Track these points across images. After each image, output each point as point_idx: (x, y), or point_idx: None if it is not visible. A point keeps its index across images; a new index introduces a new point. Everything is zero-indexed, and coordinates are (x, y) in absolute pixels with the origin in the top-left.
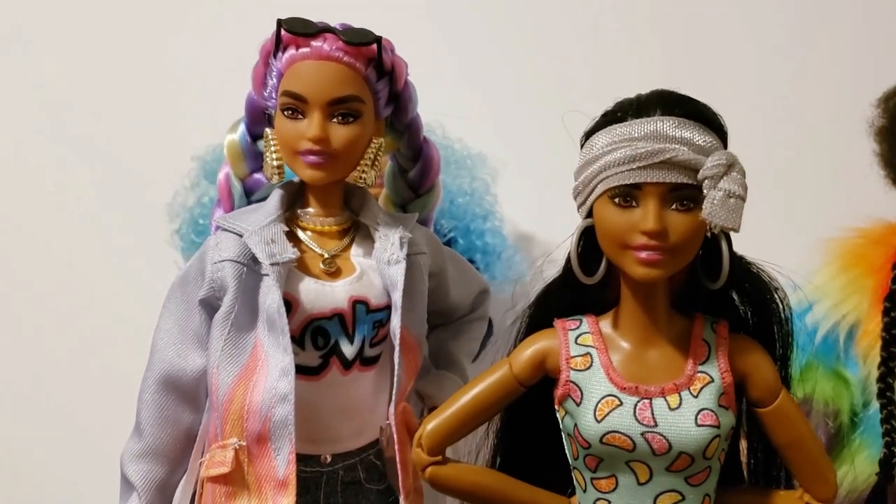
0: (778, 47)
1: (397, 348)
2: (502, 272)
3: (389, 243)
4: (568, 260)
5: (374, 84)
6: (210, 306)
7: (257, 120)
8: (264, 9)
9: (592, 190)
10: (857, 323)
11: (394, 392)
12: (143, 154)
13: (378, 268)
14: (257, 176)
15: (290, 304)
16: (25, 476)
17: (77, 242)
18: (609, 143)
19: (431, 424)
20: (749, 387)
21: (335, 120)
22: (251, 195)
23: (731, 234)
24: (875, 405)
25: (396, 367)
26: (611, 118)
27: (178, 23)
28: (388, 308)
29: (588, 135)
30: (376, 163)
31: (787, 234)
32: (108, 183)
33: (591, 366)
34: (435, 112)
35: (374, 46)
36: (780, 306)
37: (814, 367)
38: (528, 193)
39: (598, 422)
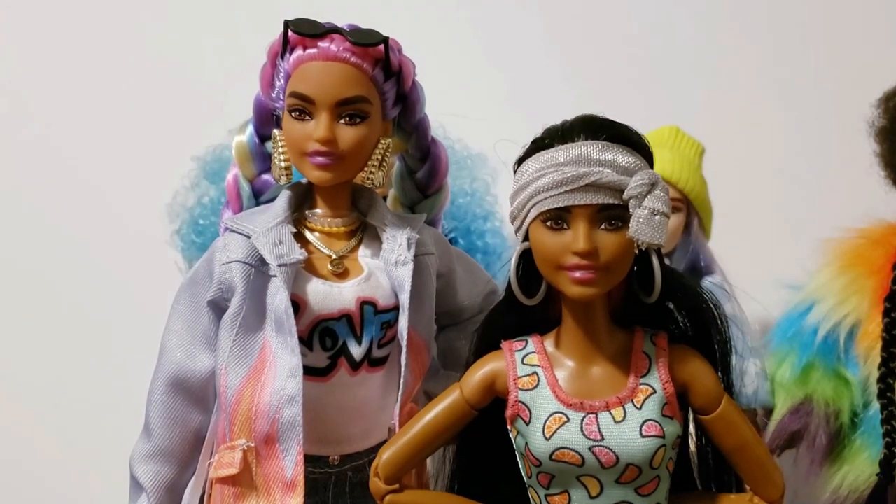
0: (778, 48)
1: (404, 349)
2: (502, 273)
3: (397, 244)
4: (509, 283)
5: (381, 85)
6: (218, 307)
7: (265, 121)
8: (265, 8)
9: (526, 215)
10: (858, 323)
11: (400, 393)
12: (143, 154)
13: (385, 269)
14: (266, 177)
15: (298, 305)
16: (33, 479)
17: (77, 243)
18: (538, 169)
19: (387, 453)
20: (691, 395)
21: (342, 121)
22: (260, 196)
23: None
24: (875, 405)
25: (403, 369)
26: (539, 145)
27: (179, 22)
28: (396, 309)
29: (519, 161)
30: (384, 163)
31: (788, 234)
32: (108, 183)
33: (537, 385)
34: (436, 112)
35: (382, 47)
36: (715, 314)
37: (814, 367)
38: None
39: (547, 439)
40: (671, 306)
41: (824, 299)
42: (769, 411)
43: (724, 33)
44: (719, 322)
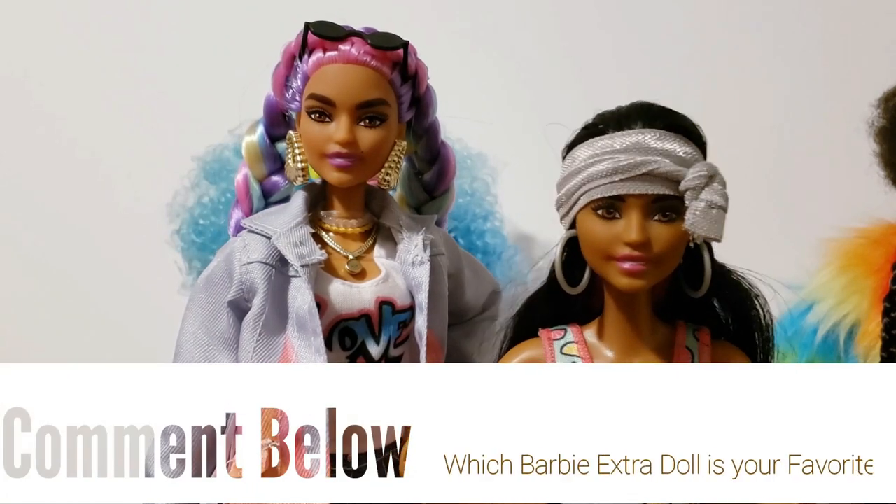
0: (778, 47)
1: (423, 350)
2: (503, 272)
3: (413, 245)
4: (552, 270)
5: (398, 88)
6: (239, 308)
7: (276, 121)
8: (265, 9)
9: (575, 202)
10: (858, 323)
11: None
12: (142, 154)
13: (402, 269)
14: (275, 178)
15: (320, 305)
16: None
17: (76, 243)
18: (591, 156)
19: None
20: None
21: (362, 123)
22: (269, 197)
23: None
24: None
25: None
26: (592, 130)
27: (179, 22)
28: (411, 309)
29: (570, 147)
30: (399, 165)
31: (788, 234)
32: (108, 183)
33: None
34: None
35: (401, 51)
36: (761, 313)
37: None
38: (529, 194)
39: None
40: (714, 302)
41: (824, 299)
42: None
43: (723, 32)
44: (763, 321)
